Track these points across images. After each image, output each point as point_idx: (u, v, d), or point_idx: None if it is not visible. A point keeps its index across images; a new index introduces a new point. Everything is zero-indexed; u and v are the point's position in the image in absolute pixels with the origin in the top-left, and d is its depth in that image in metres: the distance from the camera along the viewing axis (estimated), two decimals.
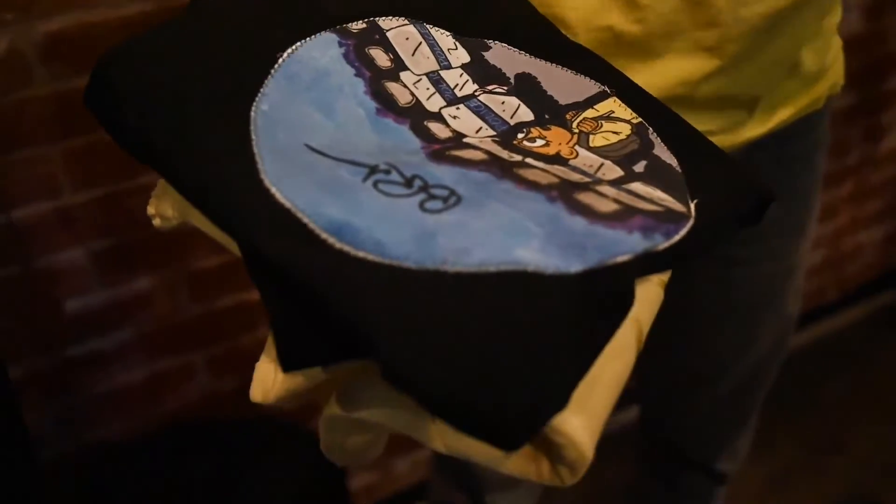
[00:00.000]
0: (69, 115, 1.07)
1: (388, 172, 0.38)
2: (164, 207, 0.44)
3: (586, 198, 0.38)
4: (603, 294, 0.35)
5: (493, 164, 0.39)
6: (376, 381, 0.35)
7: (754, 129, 0.68)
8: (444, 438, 0.36)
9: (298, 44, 0.43)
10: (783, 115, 0.68)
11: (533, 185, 0.38)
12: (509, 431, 0.31)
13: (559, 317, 0.33)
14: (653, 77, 0.62)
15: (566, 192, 0.38)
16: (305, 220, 0.35)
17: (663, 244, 0.37)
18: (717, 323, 0.86)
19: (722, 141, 0.67)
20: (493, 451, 0.34)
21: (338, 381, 0.38)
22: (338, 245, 0.34)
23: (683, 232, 0.38)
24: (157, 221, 0.45)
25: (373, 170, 0.38)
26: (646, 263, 0.37)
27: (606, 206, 0.37)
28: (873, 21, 1.70)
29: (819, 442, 1.78)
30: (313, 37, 0.43)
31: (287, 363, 0.36)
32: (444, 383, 0.31)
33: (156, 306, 1.23)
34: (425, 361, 0.31)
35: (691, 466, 1.00)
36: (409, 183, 0.37)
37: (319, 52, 0.43)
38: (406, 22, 0.47)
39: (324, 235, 0.35)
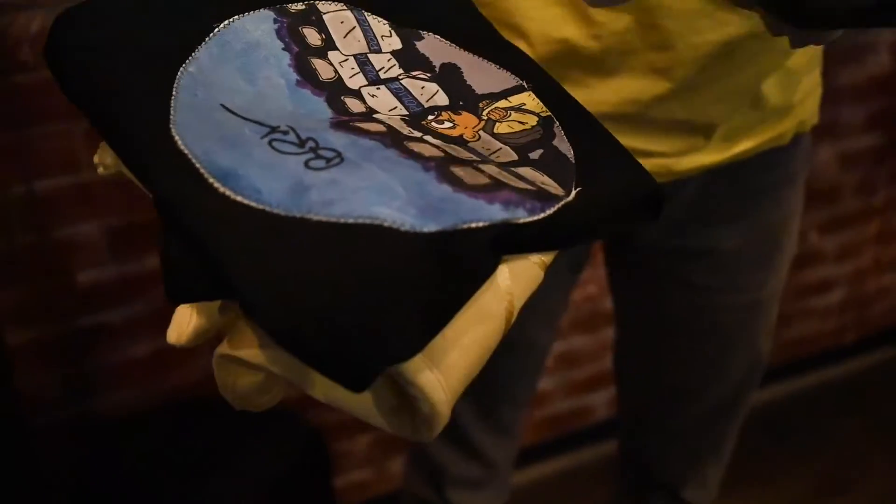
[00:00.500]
0: None
1: (285, 133, 0.41)
2: (105, 156, 0.47)
3: (461, 171, 0.41)
4: (455, 256, 0.37)
5: (387, 136, 0.43)
6: (250, 326, 0.38)
7: (711, 156, 0.69)
8: (320, 386, 0.39)
9: (236, 17, 0.47)
10: (743, 146, 0.69)
11: (414, 156, 0.41)
12: (351, 370, 0.34)
13: (407, 270, 0.36)
14: (605, 93, 0.64)
15: (443, 164, 0.41)
16: (197, 165, 0.39)
17: (525, 218, 0.39)
18: (686, 350, 0.87)
19: (676, 164, 0.69)
20: (360, 399, 0.37)
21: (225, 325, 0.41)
22: (221, 189, 0.38)
23: (551, 210, 0.40)
24: (100, 170, 0.48)
25: (273, 129, 0.41)
26: (506, 235, 0.39)
27: (477, 180, 0.40)
28: None
29: (827, 483, 1.76)
30: (251, 12, 0.47)
31: (173, 295, 0.38)
32: (293, 320, 0.34)
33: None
34: (278, 300, 0.34)
35: (659, 491, 1.01)
36: (302, 144, 0.41)
37: (253, 25, 0.47)
38: (344, 7, 0.50)
39: (210, 180, 0.38)
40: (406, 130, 0.44)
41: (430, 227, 0.37)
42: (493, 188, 0.40)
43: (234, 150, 0.40)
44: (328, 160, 0.40)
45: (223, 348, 0.41)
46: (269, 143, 0.41)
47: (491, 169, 0.42)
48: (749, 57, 0.64)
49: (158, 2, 0.47)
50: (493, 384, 0.91)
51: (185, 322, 0.41)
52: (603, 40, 0.62)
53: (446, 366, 0.37)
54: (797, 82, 0.71)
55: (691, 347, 0.87)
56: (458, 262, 0.38)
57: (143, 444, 1.30)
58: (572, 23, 0.62)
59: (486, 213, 0.39)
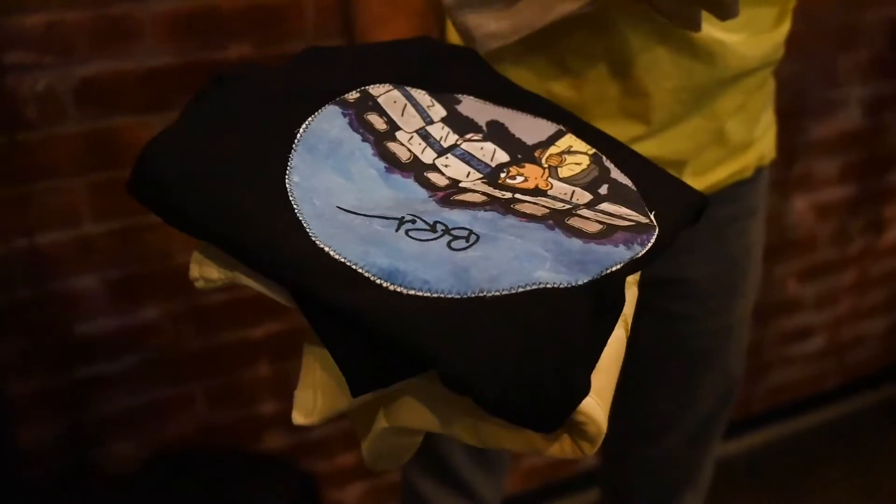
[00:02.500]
0: (96, 152, 1.16)
1: (413, 222, 0.46)
2: (209, 271, 0.49)
3: (575, 222, 0.46)
4: (605, 298, 0.43)
5: (495, 203, 0.48)
6: (413, 396, 0.45)
7: None
8: (478, 434, 0.45)
9: (309, 119, 0.50)
10: (711, 179, 0.75)
11: (532, 217, 0.47)
12: (550, 418, 0.40)
13: (577, 321, 0.42)
14: None
15: (559, 220, 0.46)
16: (360, 270, 0.43)
17: (641, 252, 0.45)
18: (661, 377, 0.91)
19: None
20: (522, 438, 0.44)
21: (367, 404, 0.47)
22: (392, 287, 0.42)
23: (653, 239, 0.46)
24: (200, 284, 0.50)
25: (401, 221, 0.46)
26: (631, 269, 0.45)
27: (593, 228, 0.46)
28: (873, 116, 1.76)
29: None
30: (319, 111, 0.51)
31: (356, 389, 0.43)
32: (494, 385, 0.39)
33: (161, 336, 1.31)
34: (478, 368, 0.39)
35: None
36: (433, 228, 0.46)
37: (328, 123, 0.50)
38: (391, 87, 0.55)
39: (378, 281, 0.42)
40: (498, 193, 0.49)
41: (582, 280, 0.43)
42: (609, 232, 0.46)
43: (382, 247, 0.44)
44: (466, 238, 0.45)
45: (381, 423, 0.47)
46: (406, 233, 0.45)
47: (588, 213, 0.48)
48: (713, 98, 0.71)
49: (230, 118, 0.49)
50: None
51: (309, 405, 0.47)
52: (582, 90, 0.68)
53: (598, 389, 0.43)
54: (756, 119, 0.78)
55: (667, 375, 0.91)
56: (606, 304, 0.43)
57: (139, 495, 1.31)
58: (552, 74, 0.67)
59: (618, 256, 0.44)
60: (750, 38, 0.70)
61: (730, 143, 0.75)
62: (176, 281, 1.28)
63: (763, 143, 0.81)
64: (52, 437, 1.30)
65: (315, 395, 0.47)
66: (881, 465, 1.92)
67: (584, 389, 0.41)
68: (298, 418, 0.48)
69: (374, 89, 0.54)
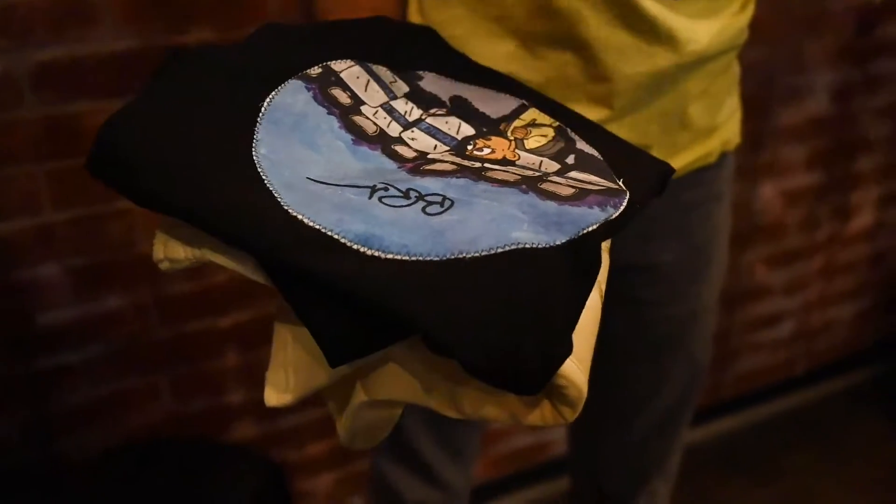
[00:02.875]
0: (55, 139, 1.15)
1: (386, 189, 0.46)
2: (174, 251, 0.48)
3: (548, 187, 0.47)
4: (583, 258, 0.44)
5: (466, 171, 0.48)
6: (391, 367, 0.45)
7: None
8: (457, 403, 0.45)
9: (273, 93, 0.50)
10: (675, 164, 0.75)
11: (504, 183, 0.47)
12: (532, 379, 0.40)
13: (556, 280, 0.42)
14: None
15: (532, 185, 0.47)
16: (336, 236, 0.42)
17: (614, 214, 0.46)
18: (628, 364, 0.91)
19: None
20: (502, 406, 0.44)
21: (343, 378, 0.47)
22: (369, 252, 0.42)
23: (625, 203, 0.47)
24: (165, 265, 0.49)
25: (373, 189, 0.46)
26: (606, 230, 0.45)
27: (566, 191, 0.46)
28: (840, 103, 1.77)
29: None
30: (282, 85, 0.50)
31: (334, 360, 0.42)
32: (476, 346, 0.39)
33: (125, 325, 1.29)
34: (460, 330, 0.39)
35: None
36: (406, 195, 0.45)
37: (292, 97, 0.50)
38: (353, 63, 0.55)
39: (355, 246, 0.42)
40: (469, 164, 0.49)
41: (560, 240, 0.43)
42: (581, 195, 0.46)
43: (357, 214, 0.43)
44: (440, 203, 0.45)
45: (360, 397, 0.46)
46: (380, 200, 0.45)
47: (559, 180, 0.48)
48: (676, 83, 0.71)
49: (194, 93, 0.48)
50: None
51: (282, 384, 0.47)
52: (546, 74, 0.67)
53: (577, 353, 0.43)
54: (720, 104, 0.78)
55: (634, 362, 0.91)
56: (584, 265, 0.44)
57: (103, 486, 1.30)
58: (519, 59, 0.67)
59: (594, 216, 0.45)
60: (713, 24, 0.70)
61: (693, 127, 0.75)
62: (140, 269, 1.27)
63: (727, 129, 0.81)
64: (15, 428, 1.28)
65: (287, 374, 0.47)
66: (850, 451, 1.94)
67: (566, 350, 0.41)
68: (271, 398, 0.47)
69: (336, 65, 0.54)
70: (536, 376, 0.40)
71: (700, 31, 0.69)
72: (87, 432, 1.33)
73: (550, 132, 0.53)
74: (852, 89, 1.78)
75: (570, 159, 0.51)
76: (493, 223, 0.43)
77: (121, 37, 1.13)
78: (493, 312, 0.40)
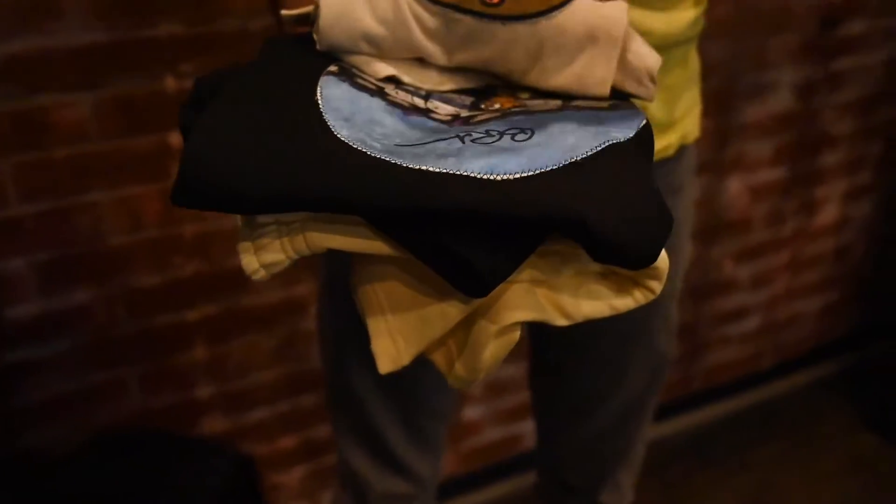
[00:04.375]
0: (21, 132, 1.14)
1: (468, 134, 0.48)
2: (271, 255, 0.48)
3: (583, 104, 0.52)
4: (648, 144, 0.49)
5: (509, 113, 0.51)
6: (509, 293, 0.48)
7: None
8: (565, 311, 0.50)
9: (318, 89, 0.50)
10: None
11: (549, 110, 0.51)
12: (657, 250, 0.45)
13: (646, 165, 0.48)
14: None
15: (571, 106, 0.51)
16: (464, 173, 0.43)
17: (645, 119, 0.50)
18: (591, 355, 0.92)
19: None
20: (601, 301, 0.50)
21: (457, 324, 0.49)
22: (499, 178, 0.44)
23: (645, 118, 0.51)
24: (260, 274, 0.48)
25: (458, 137, 0.48)
26: (648, 129, 0.50)
27: (601, 105, 0.51)
28: (804, 99, 1.80)
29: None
30: (321, 83, 0.51)
31: (488, 286, 0.45)
32: (628, 232, 0.43)
33: (93, 319, 1.29)
34: (612, 221, 0.43)
35: (576, 497, 1.05)
36: (488, 134, 0.48)
37: (335, 89, 0.51)
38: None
39: (484, 176, 0.43)
40: (500, 112, 0.52)
41: (631, 133, 0.48)
42: (615, 107, 0.51)
43: (462, 155, 0.45)
44: (523, 131, 0.48)
45: (490, 328, 0.48)
46: (472, 142, 0.47)
47: (578, 103, 0.52)
48: None
49: (250, 108, 0.48)
50: (413, 396, 0.94)
51: (392, 350, 0.49)
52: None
53: None
54: (677, 98, 0.79)
55: (597, 353, 0.92)
56: (649, 150, 0.50)
57: (71, 481, 1.29)
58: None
59: (638, 116, 0.51)
60: (667, 15, 0.71)
61: (651, 121, 0.76)
62: (108, 262, 1.27)
63: (686, 123, 0.82)
64: None
65: (395, 339, 0.49)
66: (817, 444, 1.97)
67: (672, 218, 0.47)
68: (386, 366, 0.49)
69: (347, 60, 0.55)
70: (659, 246, 0.45)
71: (654, 24, 0.69)
72: (54, 427, 1.33)
73: (553, 100, 0.55)
74: (816, 86, 1.80)
75: (575, 102, 0.53)
76: (579, 130, 0.47)
77: (88, 30, 1.13)
78: (622, 197, 0.44)
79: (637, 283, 0.49)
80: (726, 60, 1.63)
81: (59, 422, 1.33)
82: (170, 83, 1.20)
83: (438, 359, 0.52)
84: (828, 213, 2.00)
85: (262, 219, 0.47)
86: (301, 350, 1.48)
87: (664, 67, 0.74)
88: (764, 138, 1.80)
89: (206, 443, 1.44)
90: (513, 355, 0.52)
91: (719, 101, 1.66)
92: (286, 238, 0.47)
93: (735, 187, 1.82)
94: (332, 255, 0.50)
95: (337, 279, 0.89)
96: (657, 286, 0.49)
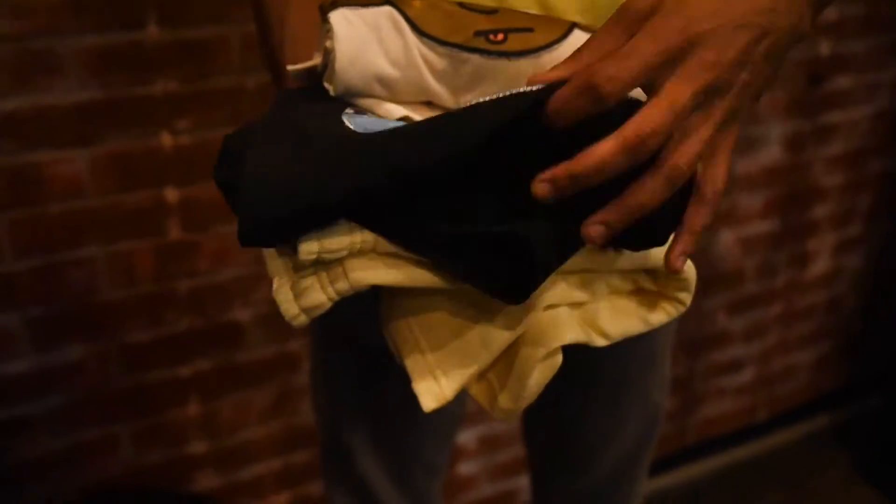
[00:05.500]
0: (17, 187, 1.15)
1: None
2: (311, 298, 0.47)
3: None
4: None
5: None
6: (550, 316, 0.49)
7: None
8: (606, 333, 0.52)
9: (345, 122, 0.51)
10: None
11: None
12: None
13: None
14: None
15: None
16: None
17: None
18: (586, 406, 0.92)
19: None
20: (635, 318, 0.52)
21: (487, 370, 0.50)
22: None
23: None
24: (301, 319, 0.48)
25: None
26: None
27: None
28: (793, 153, 1.82)
29: None
30: (344, 117, 0.52)
31: (540, 276, 0.45)
32: None
33: (86, 375, 1.28)
34: None
35: None
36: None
37: (360, 119, 0.52)
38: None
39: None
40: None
41: None
42: None
43: None
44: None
45: (536, 354, 0.48)
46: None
47: None
48: None
49: (285, 149, 0.48)
50: (404, 449, 0.94)
51: (434, 388, 0.49)
52: None
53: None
54: None
55: (592, 405, 0.91)
56: None
57: None
58: None
59: None
60: None
61: None
62: (101, 318, 1.26)
63: None
64: None
65: (436, 376, 0.49)
66: (814, 497, 1.95)
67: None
68: (430, 403, 0.49)
69: (360, 104, 0.56)
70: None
71: None
72: (45, 484, 1.31)
73: None
74: (805, 140, 1.83)
75: None
76: None
77: (85, 87, 1.14)
78: None
79: (666, 297, 0.51)
80: None
81: (51, 478, 1.31)
82: (165, 139, 1.21)
83: (479, 393, 0.52)
84: (819, 266, 2.01)
85: (300, 260, 0.46)
86: (295, 405, 1.47)
87: None
88: (755, 191, 1.82)
89: (198, 500, 1.42)
90: None
91: None
92: (326, 278, 0.47)
93: (727, 239, 1.83)
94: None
95: (329, 333, 0.89)
96: (687, 297, 0.50)
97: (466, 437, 1.69)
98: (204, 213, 1.28)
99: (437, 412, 0.93)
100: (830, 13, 1.73)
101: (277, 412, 1.46)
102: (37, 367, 1.25)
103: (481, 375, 0.51)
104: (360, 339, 0.84)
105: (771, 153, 1.79)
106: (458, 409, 0.99)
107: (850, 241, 2.04)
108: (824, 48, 1.77)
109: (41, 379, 1.25)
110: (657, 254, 0.50)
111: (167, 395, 1.36)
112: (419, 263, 0.47)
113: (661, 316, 0.52)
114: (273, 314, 1.37)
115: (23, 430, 1.27)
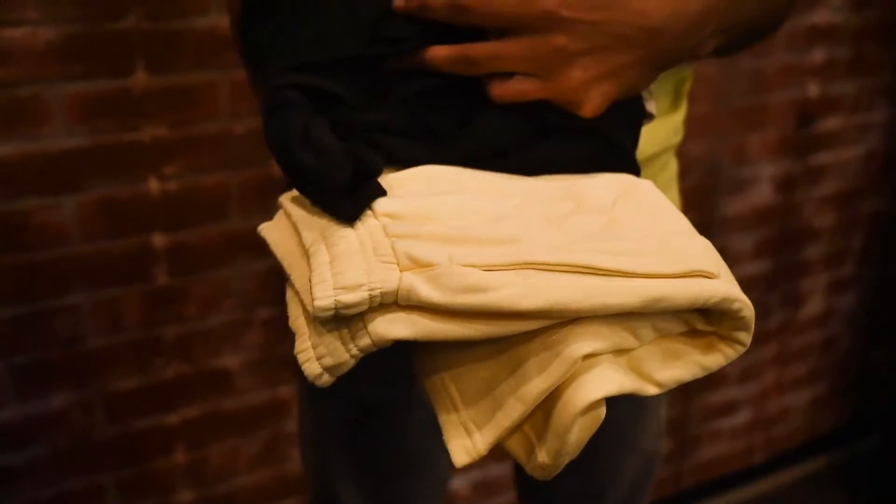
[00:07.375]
0: (3, 235, 1.14)
1: None
2: (334, 357, 0.45)
3: None
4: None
5: None
6: (597, 367, 0.46)
7: None
8: (656, 381, 0.48)
9: None
10: None
11: None
12: None
13: None
14: None
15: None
16: None
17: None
18: (576, 462, 0.90)
19: None
20: (689, 363, 0.48)
21: (522, 427, 0.47)
22: None
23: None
24: (325, 378, 0.46)
25: None
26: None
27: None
28: (784, 193, 1.82)
29: None
30: None
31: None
32: None
33: (71, 424, 1.26)
34: None
35: None
36: None
37: None
38: None
39: None
40: None
41: None
42: None
43: None
44: None
45: (576, 406, 0.45)
46: None
47: None
48: None
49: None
50: (395, 501, 0.92)
51: (468, 443, 0.47)
52: None
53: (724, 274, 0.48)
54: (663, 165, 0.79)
55: (585, 452, 0.89)
56: None
57: None
58: None
59: None
60: (648, 127, 0.71)
61: None
62: (86, 366, 1.25)
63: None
64: None
65: (469, 429, 0.47)
66: None
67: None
68: (462, 459, 0.47)
69: None
70: None
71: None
72: None
73: None
74: (796, 180, 1.83)
75: None
76: None
77: (72, 134, 1.14)
78: None
79: (723, 337, 0.47)
80: (708, 156, 1.65)
81: None
82: (153, 185, 1.21)
83: (515, 447, 0.49)
84: (813, 306, 2.01)
85: (321, 317, 0.44)
86: (284, 452, 1.45)
87: (649, 175, 0.74)
88: (746, 232, 1.81)
89: None
90: (501, 454, 0.50)
91: (701, 196, 1.68)
92: (348, 335, 0.45)
93: None
94: None
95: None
96: (746, 337, 0.46)
97: (459, 482, 1.67)
98: (192, 259, 1.27)
99: (433, 465, 0.93)
100: (818, 55, 1.74)
101: (267, 460, 1.44)
102: (21, 416, 1.23)
103: (517, 428, 0.48)
104: (352, 390, 0.82)
105: (762, 194, 1.79)
106: (450, 459, 0.97)
107: (844, 281, 2.03)
108: (813, 90, 1.77)
109: (25, 428, 1.24)
110: (709, 287, 0.47)
111: (154, 444, 1.34)
112: (445, 317, 0.45)
113: (718, 359, 0.47)
114: (262, 360, 1.36)
115: (6, 480, 1.25)
